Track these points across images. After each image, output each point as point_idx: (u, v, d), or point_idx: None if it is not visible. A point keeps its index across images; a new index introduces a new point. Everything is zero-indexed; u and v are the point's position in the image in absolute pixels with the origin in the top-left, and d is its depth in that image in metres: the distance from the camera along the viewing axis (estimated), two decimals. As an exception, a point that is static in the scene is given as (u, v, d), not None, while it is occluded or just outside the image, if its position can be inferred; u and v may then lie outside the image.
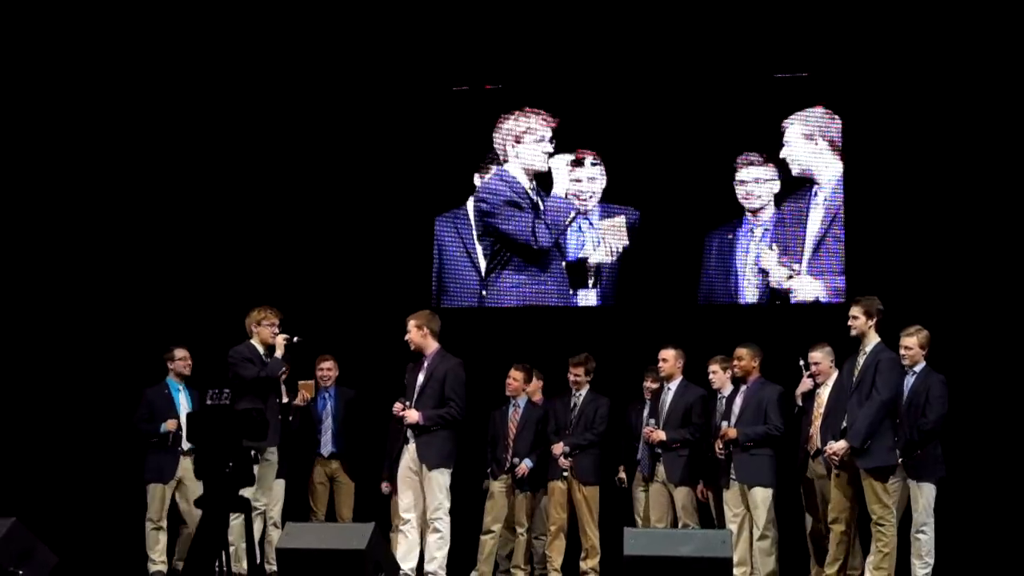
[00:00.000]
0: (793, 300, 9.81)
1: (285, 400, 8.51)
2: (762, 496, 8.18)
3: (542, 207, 10.24)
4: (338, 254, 10.40)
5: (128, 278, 10.38)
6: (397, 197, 10.40)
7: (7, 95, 10.22)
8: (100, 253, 10.41)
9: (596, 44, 10.12)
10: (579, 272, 10.27)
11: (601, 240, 10.16)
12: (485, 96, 10.44)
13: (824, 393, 8.09)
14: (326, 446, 9.26)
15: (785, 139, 9.91)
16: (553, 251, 10.23)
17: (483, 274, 10.33)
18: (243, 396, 7.88)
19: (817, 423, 8.05)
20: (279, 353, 8.20)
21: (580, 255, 10.29)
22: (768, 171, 9.97)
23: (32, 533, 7.78)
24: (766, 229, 9.94)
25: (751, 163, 9.97)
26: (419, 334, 8.02)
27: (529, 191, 10.28)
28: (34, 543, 7.79)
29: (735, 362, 8.43)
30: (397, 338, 8.22)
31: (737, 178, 10.02)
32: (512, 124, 10.38)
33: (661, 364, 8.71)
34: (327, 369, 9.36)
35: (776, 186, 9.96)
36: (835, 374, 8.06)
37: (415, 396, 8.00)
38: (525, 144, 10.31)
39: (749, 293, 9.95)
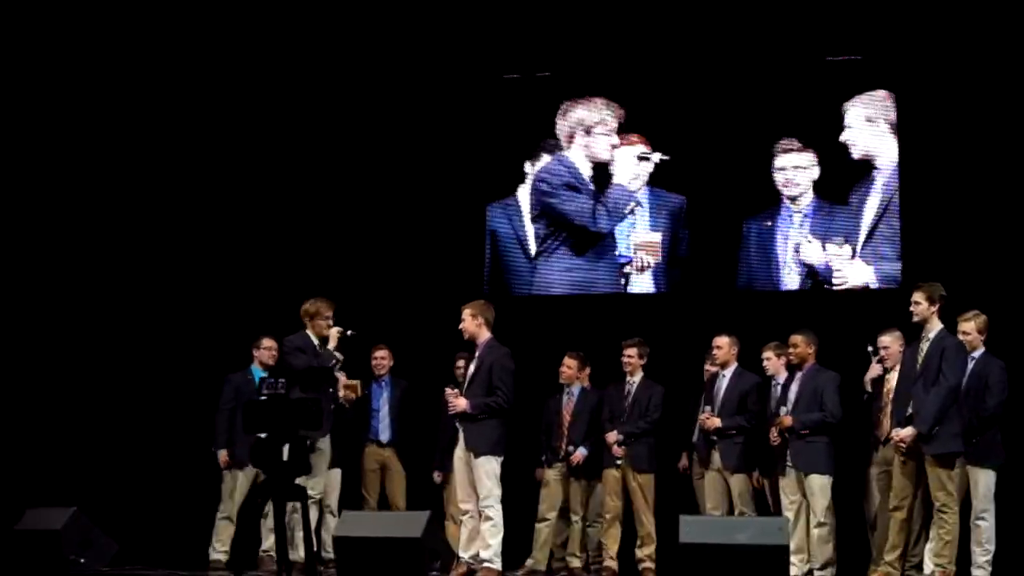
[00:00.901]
0: (843, 286, 9.68)
1: (342, 393, 8.52)
2: (819, 483, 8.10)
3: (602, 193, 10.18)
4: (392, 243, 10.37)
5: (196, 268, 10.48)
6: (449, 186, 10.34)
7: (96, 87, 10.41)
8: (177, 242, 10.53)
9: (645, 29, 10.04)
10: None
11: (634, 254, 10.14)
12: (536, 84, 10.38)
13: (894, 379, 7.94)
14: (384, 433, 9.29)
15: (845, 122, 9.78)
16: (607, 238, 10.17)
17: (532, 258, 10.28)
18: (292, 386, 7.84)
19: (887, 410, 7.94)
20: (332, 345, 8.20)
21: (631, 237, 10.21)
22: (807, 158, 9.87)
23: (91, 522, 8.02)
24: (805, 216, 9.85)
25: (790, 150, 9.88)
26: (474, 323, 8.03)
27: (588, 179, 10.23)
28: (94, 531, 8.02)
29: (790, 349, 8.36)
30: (450, 327, 8.21)
31: (776, 165, 9.92)
32: (585, 113, 10.31)
33: (715, 351, 8.66)
34: (381, 358, 9.39)
35: (815, 173, 9.85)
36: None
37: (465, 385, 8.05)
38: (594, 136, 10.27)
39: (791, 280, 9.85)
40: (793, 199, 9.90)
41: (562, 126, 10.34)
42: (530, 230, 10.34)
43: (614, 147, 10.19)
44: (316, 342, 8.26)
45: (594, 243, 10.17)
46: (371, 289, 10.11)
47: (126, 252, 10.49)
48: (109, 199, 10.50)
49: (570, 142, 10.30)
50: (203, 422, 9.29)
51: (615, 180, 10.20)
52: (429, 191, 10.38)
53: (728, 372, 8.65)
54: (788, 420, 8.17)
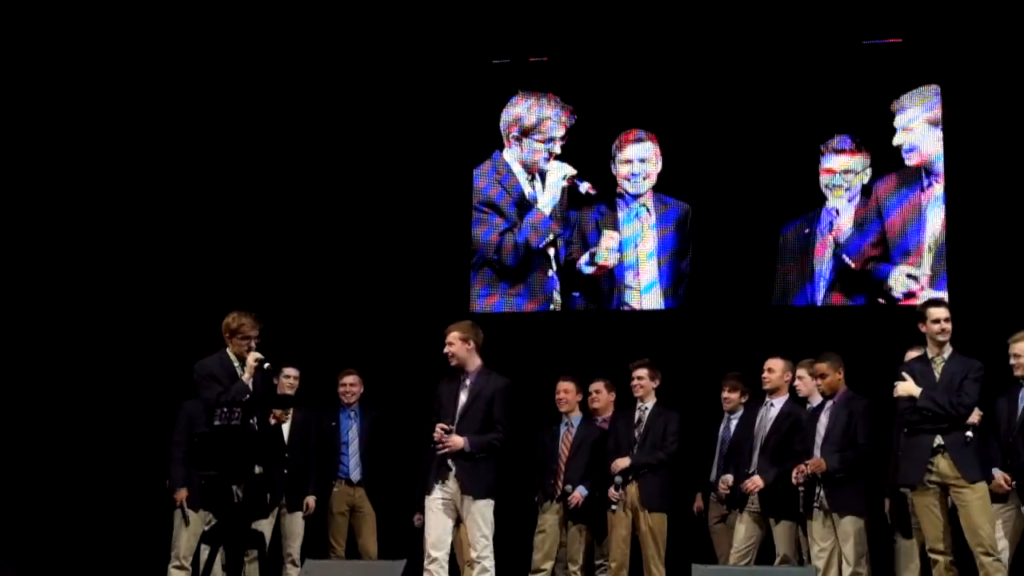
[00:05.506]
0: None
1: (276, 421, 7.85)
2: (854, 527, 7.47)
3: (522, 218, 9.77)
4: (361, 252, 9.98)
5: (142, 279, 10.06)
6: (431, 190, 9.90)
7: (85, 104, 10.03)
8: (119, 251, 10.08)
9: (650, 13, 9.58)
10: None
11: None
12: (530, 70, 9.83)
13: None
14: (354, 471, 8.75)
15: (896, 123, 9.32)
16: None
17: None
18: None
19: None
20: (246, 376, 7.18)
21: (638, 245, 9.72)
22: (860, 161, 9.40)
23: (14, 571, 7.97)
24: (850, 223, 9.43)
25: (841, 150, 9.45)
26: (464, 348, 7.34)
27: (518, 191, 9.78)
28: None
29: (818, 380, 7.76)
30: (427, 348, 7.68)
31: (823, 166, 9.44)
32: (522, 111, 9.83)
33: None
34: (351, 385, 8.79)
35: (867, 176, 9.40)
36: None
37: (457, 419, 7.34)
38: (530, 139, 9.79)
39: (825, 295, 9.48)
40: (838, 204, 9.47)
41: (503, 121, 9.88)
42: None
43: (552, 156, 9.73)
44: (237, 364, 7.25)
45: (513, 273, 9.75)
46: (337, 306, 9.82)
47: (58, 262, 9.97)
48: (48, 211, 10.02)
49: (508, 142, 9.84)
50: (150, 453, 8.88)
51: (538, 203, 9.74)
52: (406, 192, 9.96)
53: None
54: (823, 464, 7.53)
